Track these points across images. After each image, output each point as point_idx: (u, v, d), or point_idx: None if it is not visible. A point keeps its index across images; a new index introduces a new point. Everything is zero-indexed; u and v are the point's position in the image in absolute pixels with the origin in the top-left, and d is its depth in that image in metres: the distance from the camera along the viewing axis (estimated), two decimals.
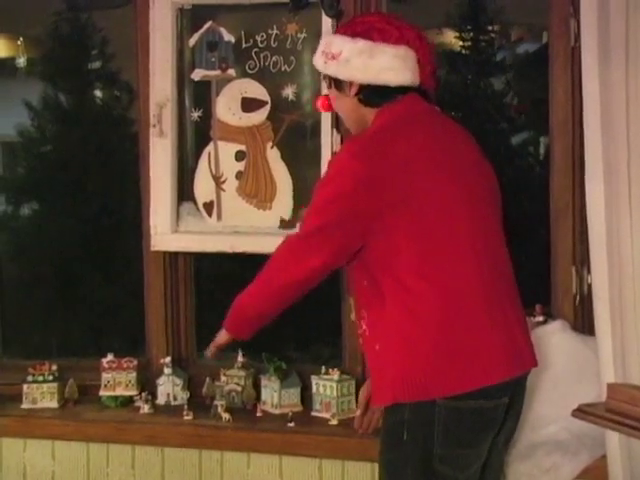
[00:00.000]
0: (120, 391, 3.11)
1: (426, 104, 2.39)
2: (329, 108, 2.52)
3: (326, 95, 2.50)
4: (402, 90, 2.34)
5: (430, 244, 2.25)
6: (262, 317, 2.44)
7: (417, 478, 2.26)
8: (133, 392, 3.10)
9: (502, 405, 2.29)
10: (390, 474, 2.32)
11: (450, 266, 2.24)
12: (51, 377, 3.11)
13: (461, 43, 3.04)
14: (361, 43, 2.33)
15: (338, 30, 2.48)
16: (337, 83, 2.40)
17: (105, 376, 3.11)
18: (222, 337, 2.50)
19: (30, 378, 3.11)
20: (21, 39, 3.51)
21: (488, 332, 2.24)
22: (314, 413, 2.95)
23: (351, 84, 2.37)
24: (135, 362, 3.13)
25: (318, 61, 2.43)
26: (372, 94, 2.35)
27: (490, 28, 3.02)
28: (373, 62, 2.32)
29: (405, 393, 2.23)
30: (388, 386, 2.27)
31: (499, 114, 3.09)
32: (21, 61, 3.53)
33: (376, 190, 2.23)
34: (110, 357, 3.12)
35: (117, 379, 3.10)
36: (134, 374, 3.11)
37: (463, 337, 2.23)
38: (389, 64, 2.33)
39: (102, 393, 3.11)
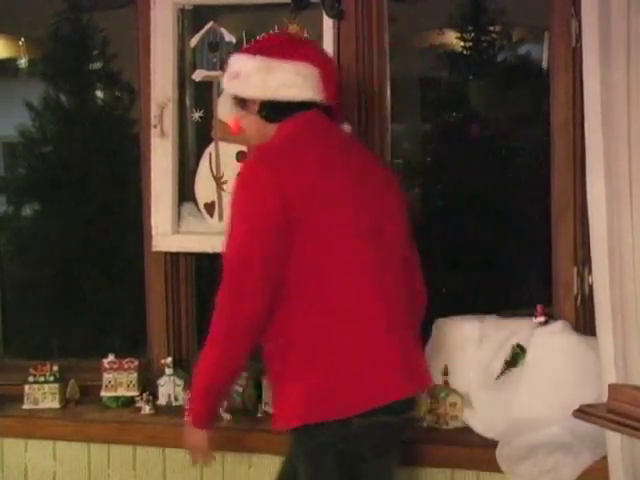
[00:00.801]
0: (121, 392, 3.10)
1: (326, 121, 2.41)
2: (240, 129, 2.54)
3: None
4: (304, 106, 2.37)
5: (327, 265, 2.26)
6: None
7: None
8: (134, 393, 3.09)
9: (408, 420, 2.39)
10: None
11: (349, 286, 2.26)
12: (52, 378, 3.11)
13: (462, 44, 3.04)
14: (259, 60, 2.38)
15: (241, 49, 2.53)
16: (241, 102, 2.44)
17: (106, 377, 3.11)
18: (199, 438, 2.44)
19: (31, 379, 3.11)
20: (22, 40, 3.51)
21: (389, 351, 2.29)
22: None
23: (253, 102, 2.40)
24: (136, 363, 3.13)
25: (224, 81, 2.47)
26: (273, 110, 2.39)
27: (491, 29, 3.02)
28: (270, 79, 2.37)
29: (313, 414, 2.25)
30: (292, 408, 2.28)
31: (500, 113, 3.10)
32: (22, 62, 3.53)
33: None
34: (111, 358, 3.12)
35: (118, 380, 3.10)
36: (135, 375, 3.10)
37: (365, 355, 2.26)
38: (288, 80, 2.37)
39: (103, 394, 3.11)
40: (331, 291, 2.26)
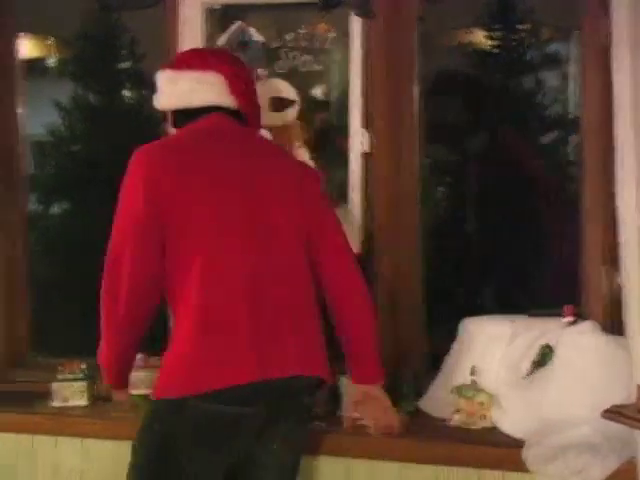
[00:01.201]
0: (149, 390, 3.11)
1: (227, 125, 2.51)
2: None
3: None
4: (208, 111, 2.50)
5: (196, 261, 2.36)
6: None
7: (152, 465, 2.44)
8: None
9: (247, 416, 2.38)
10: (133, 453, 2.51)
11: (219, 279, 2.36)
12: (81, 375, 3.13)
13: (490, 42, 3.03)
14: (167, 73, 2.54)
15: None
16: (164, 116, 2.60)
17: (135, 375, 3.12)
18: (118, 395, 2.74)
19: (60, 376, 3.13)
20: (52, 39, 3.53)
21: (238, 341, 2.35)
22: (342, 413, 2.94)
23: (169, 113, 2.57)
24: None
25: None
26: (180, 117, 2.54)
27: (520, 27, 3.01)
28: (176, 88, 2.52)
29: (166, 390, 2.40)
30: (158, 381, 2.45)
31: (529, 112, 3.09)
32: (52, 61, 3.55)
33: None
34: (139, 356, 3.13)
35: (147, 378, 3.11)
36: None
37: (216, 344, 2.34)
38: (190, 87, 2.51)
39: (132, 392, 3.12)
40: (199, 291, 2.36)
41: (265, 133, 2.72)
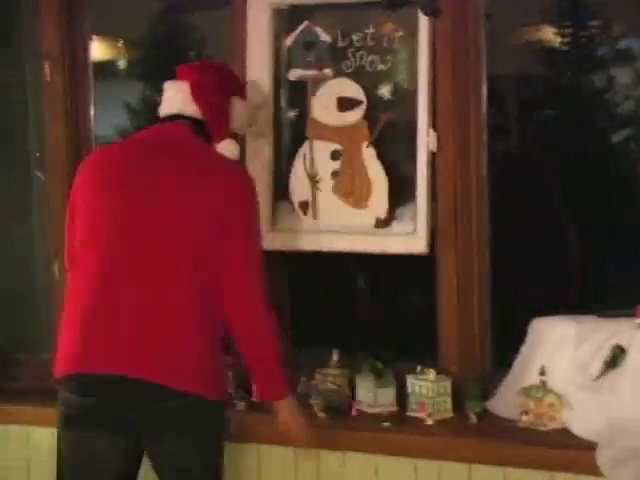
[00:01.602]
0: None
1: (176, 132, 2.68)
2: None
3: None
4: (172, 119, 2.72)
5: (77, 247, 2.63)
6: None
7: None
8: (229, 390, 3.12)
9: (88, 406, 2.57)
10: None
11: (79, 274, 2.61)
12: None
13: (560, 39, 2.99)
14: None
15: None
16: None
17: None
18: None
19: None
20: (121, 41, 3.58)
21: (73, 335, 2.56)
22: (409, 413, 2.94)
23: None
24: (231, 360, 3.15)
25: None
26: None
27: (590, 24, 2.96)
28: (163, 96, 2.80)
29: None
30: None
31: (600, 111, 3.04)
32: (121, 63, 3.60)
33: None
34: None
35: None
36: (230, 372, 3.13)
37: (62, 336, 2.61)
38: (165, 96, 2.78)
39: None
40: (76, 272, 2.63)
41: (228, 145, 2.76)
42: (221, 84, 2.79)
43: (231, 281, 2.61)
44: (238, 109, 2.86)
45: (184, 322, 2.58)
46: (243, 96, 2.90)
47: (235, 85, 2.88)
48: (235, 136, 2.88)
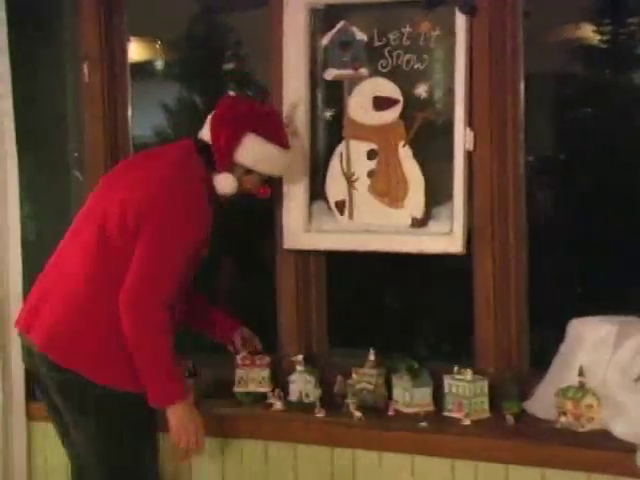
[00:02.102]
0: (253, 387, 3.15)
1: (176, 149, 2.94)
2: None
3: None
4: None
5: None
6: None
7: None
8: (266, 389, 3.13)
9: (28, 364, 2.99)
10: None
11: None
12: (187, 373, 3.17)
13: (599, 37, 2.96)
14: None
15: None
16: None
17: (239, 373, 3.16)
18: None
19: None
20: (159, 42, 3.59)
21: (33, 294, 2.95)
22: (446, 413, 2.93)
23: None
24: (268, 359, 3.17)
25: None
26: None
27: (630, 21, 2.93)
28: None
29: None
30: None
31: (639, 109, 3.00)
32: (159, 64, 3.62)
33: None
34: (243, 353, 3.16)
35: (250, 376, 3.15)
36: (267, 371, 3.15)
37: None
38: None
39: (236, 389, 3.16)
40: None
41: (223, 178, 2.89)
42: (236, 119, 2.87)
43: (127, 279, 2.74)
44: (249, 146, 2.87)
45: (76, 296, 2.79)
46: (265, 136, 2.88)
47: (253, 123, 2.88)
48: (268, 181, 2.98)
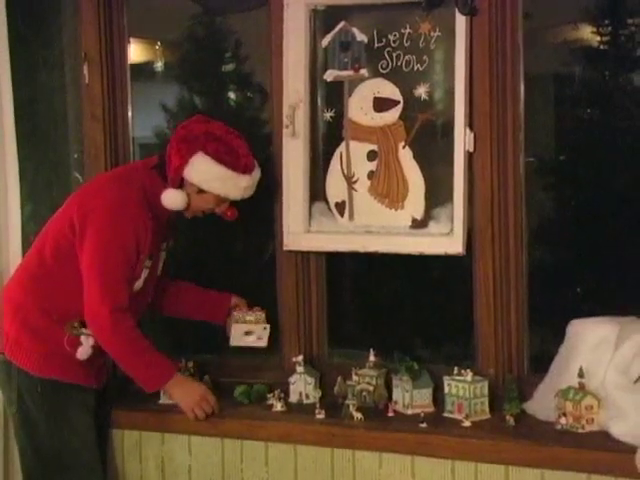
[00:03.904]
0: (251, 327, 3.19)
1: (132, 166, 3.25)
2: None
3: None
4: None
5: None
6: None
7: None
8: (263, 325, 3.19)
9: None
10: None
11: None
12: (187, 373, 3.17)
13: (598, 38, 2.96)
14: None
15: None
16: None
17: (235, 316, 3.21)
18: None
19: None
20: (159, 43, 3.60)
21: None
22: (446, 414, 2.93)
23: None
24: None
25: None
26: None
27: (630, 22, 2.93)
28: None
29: None
30: None
31: (639, 111, 3.00)
32: (159, 65, 3.62)
33: None
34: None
35: (247, 318, 3.20)
36: (263, 314, 3.20)
37: None
38: None
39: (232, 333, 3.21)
40: None
41: (169, 193, 2.99)
42: (188, 138, 2.96)
43: (83, 281, 2.94)
44: (197, 165, 2.94)
45: (21, 286, 3.03)
46: (215, 157, 2.94)
47: (205, 143, 2.95)
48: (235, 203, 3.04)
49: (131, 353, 2.95)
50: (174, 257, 3.28)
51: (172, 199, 2.99)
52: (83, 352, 2.98)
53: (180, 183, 2.98)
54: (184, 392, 2.99)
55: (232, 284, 3.37)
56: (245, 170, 2.99)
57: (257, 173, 3.04)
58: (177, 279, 3.29)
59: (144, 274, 3.02)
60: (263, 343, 3.17)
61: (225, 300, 3.25)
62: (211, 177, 2.96)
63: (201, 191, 2.99)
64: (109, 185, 3.03)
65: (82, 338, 2.98)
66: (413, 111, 3.03)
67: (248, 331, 3.18)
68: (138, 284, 3.01)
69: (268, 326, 3.18)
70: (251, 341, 3.17)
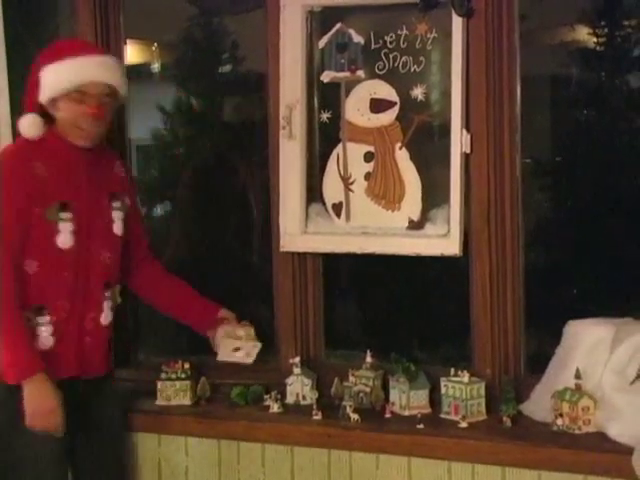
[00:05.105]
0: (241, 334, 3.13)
1: None
2: None
3: None
4: None
5: None
6: None
7: None
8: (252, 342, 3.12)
9: None
10: None
11: None
12: (184, 375, 3.17)
13: (595, 39, 2.96)
14: None
15: None
16: None
17: (225, 329, 3.13)
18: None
19: (164, 375, 3.19)
20: (155, 45, 3.60)
21: None
22: (443, 415, 2.93)
23: None
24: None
25: None
26: None
27: (626, 23, 2.93)
28: None
29: None
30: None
31: (635, 112, 3.01)
32: (155, 66, 3.62)
33: None
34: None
35: (236, 332, 3.13)
36: (252, 329, 3.12)
37: None
38: None
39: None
40: None
41: (24, 118, 2.90)
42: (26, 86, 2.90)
43: None
44: (45, 81, 2.85)
45: None
46: (55, 59, 2.85)
47: (46, 55, 2.88)
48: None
49: (10, 330, 2.76)
50: (172, 257, 3.28)
51: (28, 123, 2.87)
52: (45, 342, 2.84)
53: (44, 113, 2.87)
54: (38, 397, 2.76)
55: (228, 285, 3.37)
56: (80, 53, 2.88)
57: (106, 58, 2.95)
58: (173, 275, 3.23)
59: (65, 228, 2.84)
60: (250, 359, 3.09)
61: (212, 310, 3.15)
62: (52, 79, 2.85)
63: (55, 100, 2.86)
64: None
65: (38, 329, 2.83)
66: (410, 112, 3.03)
67: (237, 347, 3.12)
68: (64, 240, 2.83)
69: (259, 344, 3.10)
70: (239, 357, 3.11)
